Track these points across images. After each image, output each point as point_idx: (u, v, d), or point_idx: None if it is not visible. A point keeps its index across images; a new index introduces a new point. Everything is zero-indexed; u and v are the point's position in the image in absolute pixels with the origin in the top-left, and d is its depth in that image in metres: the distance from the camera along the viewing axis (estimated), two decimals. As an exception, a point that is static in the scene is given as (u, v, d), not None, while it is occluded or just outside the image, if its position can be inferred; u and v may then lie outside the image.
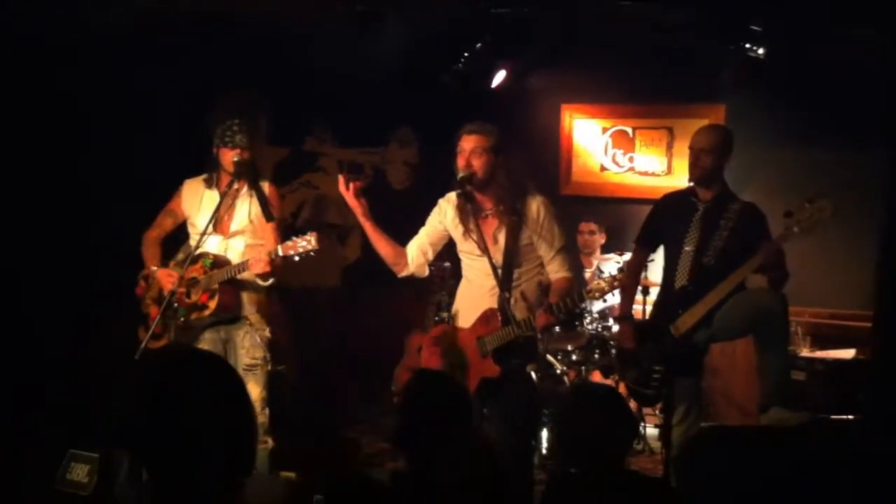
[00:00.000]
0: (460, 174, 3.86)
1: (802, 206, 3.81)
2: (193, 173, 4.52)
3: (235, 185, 4.30)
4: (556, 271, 3.93)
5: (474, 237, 3.89)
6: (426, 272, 4.24)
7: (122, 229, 4.70)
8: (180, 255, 4.45)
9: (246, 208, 4.35)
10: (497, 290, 3.80)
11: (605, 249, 6.20)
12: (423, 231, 4.16)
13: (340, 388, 6.28)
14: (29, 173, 5.21)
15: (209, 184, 4.38)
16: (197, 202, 4.38)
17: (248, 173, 4.34)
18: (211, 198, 4.34)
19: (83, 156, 5.44)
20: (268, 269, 4.12)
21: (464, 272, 4.12)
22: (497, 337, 3.80)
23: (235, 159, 4.21)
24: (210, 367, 1.90)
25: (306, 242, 4.01)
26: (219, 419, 1.79)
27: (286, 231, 4.49)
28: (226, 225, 4.35)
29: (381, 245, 4.10)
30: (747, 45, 5.38)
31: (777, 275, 4.01)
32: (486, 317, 3.88)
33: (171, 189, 4.55)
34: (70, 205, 5.37)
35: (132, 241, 4.57)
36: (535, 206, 3.91)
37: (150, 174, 5.28)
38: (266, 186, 4.37)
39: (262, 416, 4.31)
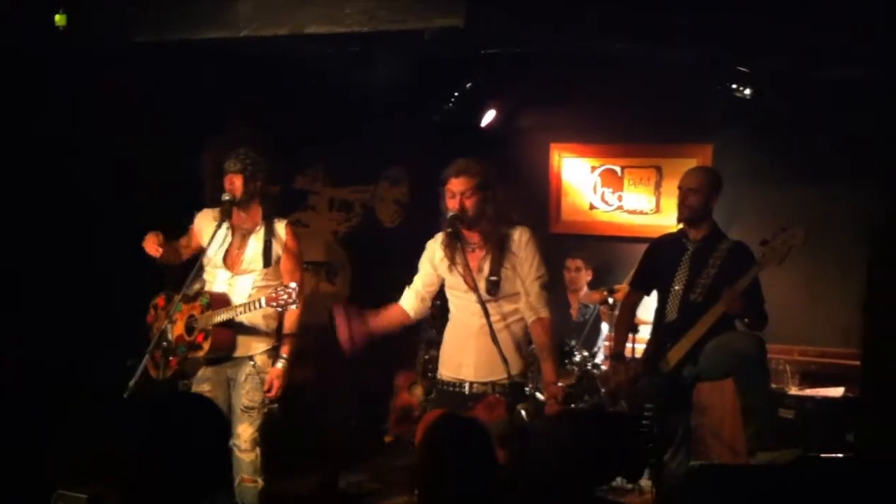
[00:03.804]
0: (450, 213, 3.88)
1: (777, 234, 3.93)
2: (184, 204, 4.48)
3: (226, 224, 4.22)
4: (531, 309, 3.89)
5: (460, 270, 3.89)
6: (428, 314, 4.28)
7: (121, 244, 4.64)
8: (196, 286, 4.35)
9: (258, 247, 4.29)
10: (485, 327, 3.74)
11: (593, 286, 6.21)
12: (416, 278, 4.17)
13: (330, 426, 6.24)
14: (29, 176, 5.12)
15: (222, 216, 4.26)
16: (208, 233, 4.28)
17: (265, 211, 4.33)
18: (220, 230, 4.25)
19: (82, 158, 5.33)
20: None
21: (451, 311, 4.12)
22: (499, 426, 3.65)
23: (225, 197, 4.20)
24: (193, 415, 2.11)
25: (287, 296, 4.01)
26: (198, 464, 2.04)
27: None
28: (235, 261, 4.30)
29: (384, 325, 4.13)
30: (734, 86, 5.46)
31: (748, 318, 4.10)
32: (489, 403, 3.81)
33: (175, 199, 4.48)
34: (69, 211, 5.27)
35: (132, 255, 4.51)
36: (518, 234, 3.94)
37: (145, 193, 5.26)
38: (283, 227, 4.33)
39: (252, 455, 4.25)
